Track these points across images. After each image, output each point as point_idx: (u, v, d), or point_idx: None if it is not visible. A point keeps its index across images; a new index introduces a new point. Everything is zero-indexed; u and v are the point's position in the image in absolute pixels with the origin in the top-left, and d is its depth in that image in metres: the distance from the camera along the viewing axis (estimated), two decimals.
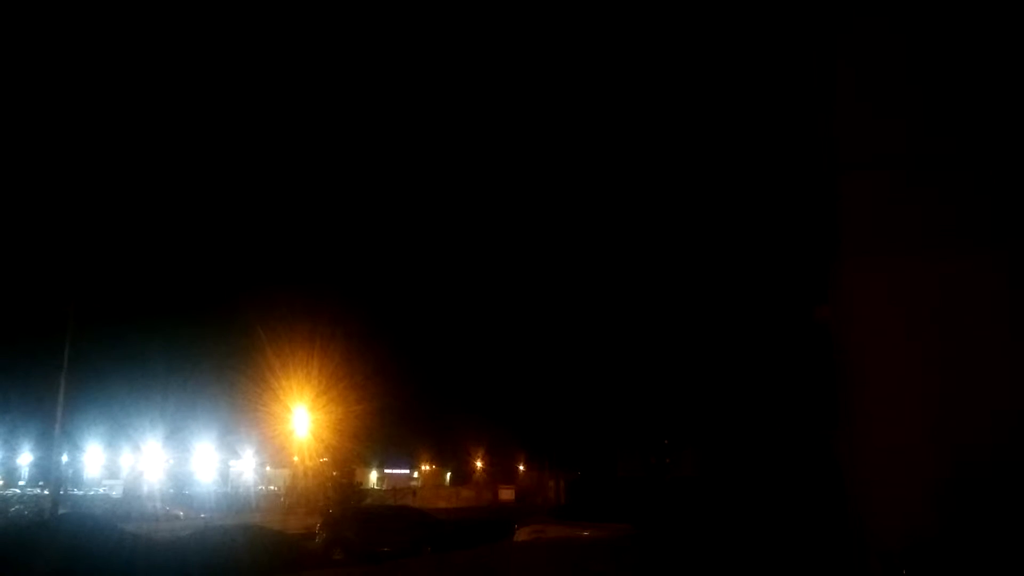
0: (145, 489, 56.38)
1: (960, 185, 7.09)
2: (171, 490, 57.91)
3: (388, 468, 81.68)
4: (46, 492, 43.79)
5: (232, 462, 71.86)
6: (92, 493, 61.10)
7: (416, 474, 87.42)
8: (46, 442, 44.13)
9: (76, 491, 59.76)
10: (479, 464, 79.41)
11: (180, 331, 59.45)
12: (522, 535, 27.31)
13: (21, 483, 64.97)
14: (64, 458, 48.89)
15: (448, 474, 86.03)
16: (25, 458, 65.87)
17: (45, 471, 51.06)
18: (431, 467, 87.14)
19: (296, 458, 51.69)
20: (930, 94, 7.34)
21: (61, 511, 32.69)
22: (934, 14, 7.43)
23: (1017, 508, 6.61)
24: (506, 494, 67.09)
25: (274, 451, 61.78)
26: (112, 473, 68.92)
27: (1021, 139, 6.83)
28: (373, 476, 78.40)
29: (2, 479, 66.74)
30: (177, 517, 44.29)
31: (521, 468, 78.50)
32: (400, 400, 52.29)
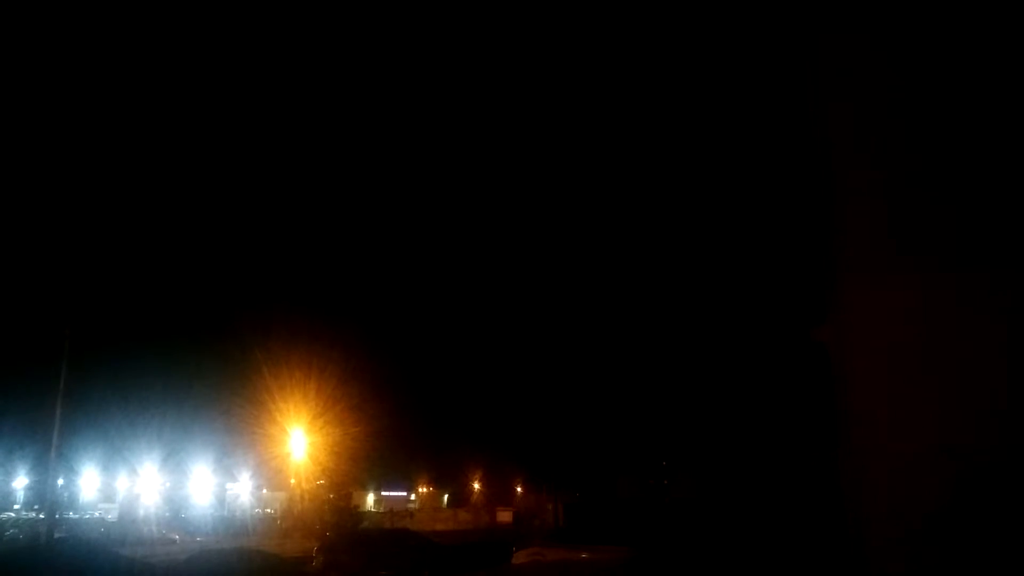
0: (141, 512, 56.07)
1: (959, 204, 7.12)
2: (167, 513, 57.53)
3: (385, 490, 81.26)
4: (42, 516, 43.45)
5: (229, 485, 71.53)
6: (88, 517, 60.79)
7: (413, 496, 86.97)
8: (42, 466, 43.88)
9: (72, 515, 59.47)
10: (477, 486, 79.06)
11: (177, 354, 59.37)
12: (521, 558, 27.22)
13: (16, 507, 64.55)
14: (60, 482, 48.63)
15: (446, 496, 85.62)
16: (20, 482, 65.52)
17: (41, 495, 50.71)
18: (429, 489, 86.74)
19: (293, 481, 51.45)
20: (930, 113, 7.40)
21: (57, 535, 32.40)
22: (933, 33, 7.50)
23: (1020, 528, 6.59)
24: (504, 516, 66.72)
25: (271, 474, 61.51)
26: (108, 496, 68.56)
27: (1018, 160, 6.88)
28: (370, 499, 77.99)
29: None
30: (173, 541, 43.99)
31: (519, 490, 78.14)
32: (397, 422, 52.07)
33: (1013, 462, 6.70)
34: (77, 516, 60.29)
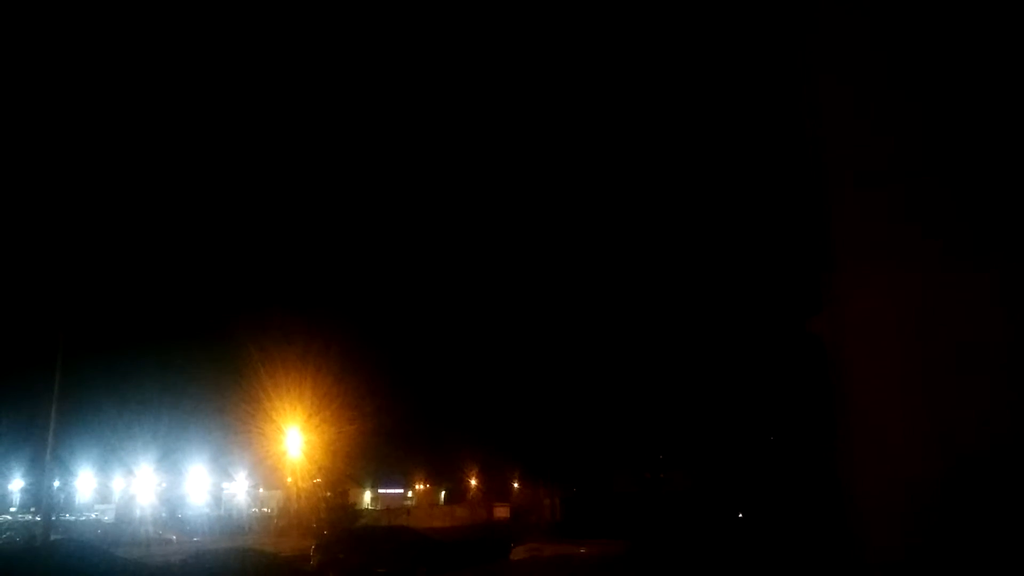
0: (137, 513, 55.90)
1: (957, 196, 7.09)
2: (164, 514, 57.43)
3: (382, 488, 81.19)
4: (38, 518, 43.40)
5: (225, 484, 71.42)
6: (84, 518, 60.60)
7: (410, 493, 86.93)
8: (37, 468, 43.82)
9: (68, 516, 59.24)
10: (473, 482, 79.05)
11: (172, 353, 59.16)
12: (519, 553, 27.26)
13: (13, 509, 64.38)
14: (56, 484, 48.47)
15: (442, 493, 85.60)
16: (16, 484, 65.31)
17: (37, 497, 50.61)
18: (425, 486, 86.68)
19: (289, 479, 51.40)
20: (924, 102, 7.36)
21: (53, 537, 32.31)
22: (924, 25, 7.46)
23: (1013, 516, 6.60)
24: (501, 512, 66.70)
25: (267, 473, 61.50)
26: (104, 498, 68.32)
27: (1018, 150, 6.84)
28: (367, 496, 77.91)
29: None
30: (170, 541, 43.91)
31: (516, 486, 78.13)
32: (393, 419, 52.09)
33: (1009, 451, 6.70)
34: (73, 518, 60.07)
